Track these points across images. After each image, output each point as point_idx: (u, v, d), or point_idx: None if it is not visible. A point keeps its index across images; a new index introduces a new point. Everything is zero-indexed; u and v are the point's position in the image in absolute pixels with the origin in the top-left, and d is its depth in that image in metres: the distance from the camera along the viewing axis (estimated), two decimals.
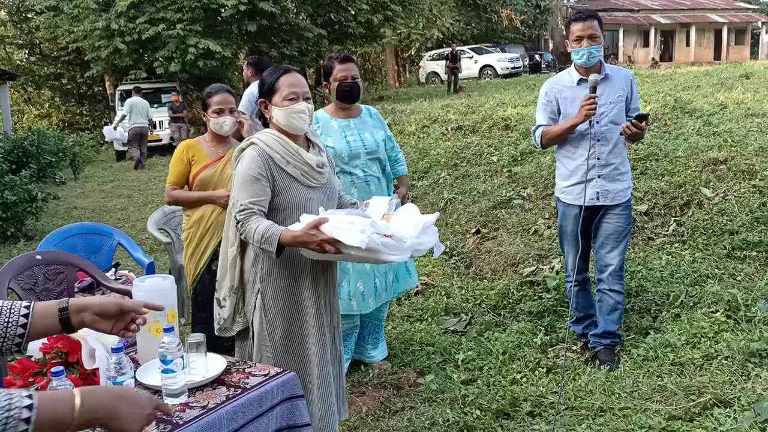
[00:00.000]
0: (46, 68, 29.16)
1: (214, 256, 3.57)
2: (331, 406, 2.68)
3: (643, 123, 3.60)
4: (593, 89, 3.64)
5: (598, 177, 3.80)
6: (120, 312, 1.65)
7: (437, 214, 2.69)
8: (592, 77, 3.66)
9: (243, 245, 2.64)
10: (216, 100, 3.73)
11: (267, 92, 2.65)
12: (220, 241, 3.41)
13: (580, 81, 3.80)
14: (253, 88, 6.26)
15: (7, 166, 9.99)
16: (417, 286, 4.95)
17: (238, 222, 2.50)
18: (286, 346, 2.60)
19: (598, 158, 3.78)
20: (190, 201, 3.79)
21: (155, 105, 17.56)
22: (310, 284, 2.63)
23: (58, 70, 28.87)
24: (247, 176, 2.51)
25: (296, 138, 2.66)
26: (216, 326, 2.71)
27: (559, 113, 3.87)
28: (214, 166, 3.76)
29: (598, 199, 3.82)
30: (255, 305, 2.62)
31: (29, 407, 0.99)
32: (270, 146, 2.57)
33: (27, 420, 0.97)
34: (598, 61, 3.76)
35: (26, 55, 30.52)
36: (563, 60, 34.19)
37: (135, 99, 15.00)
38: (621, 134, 3.70)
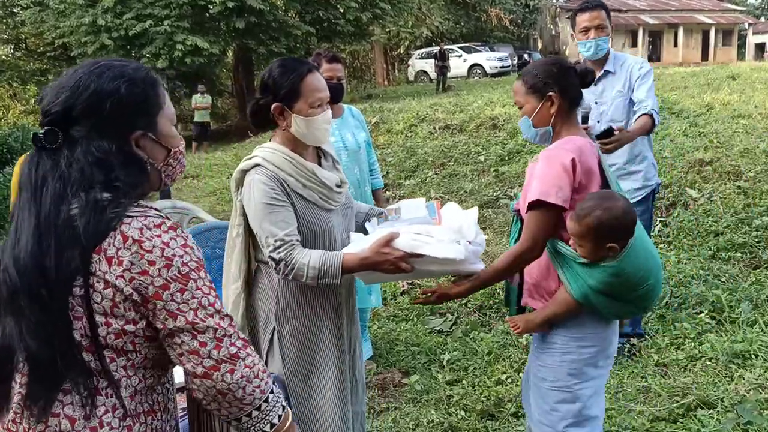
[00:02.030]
0: (31, 64, 28.82)
1: None
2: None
3: (616, 133, 3.36)
4: (584, 119, 3.56)
5: None
6: None
7: (476, 209, 2.39)
8: (583, 107, 3.56)
9: (248, 281, 2.29)
10: None
11: (287, 96, 2.17)
12: None
13: None
14: None
15: None
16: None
17: (278, 262, 2.10)
18: (306, 395, 2.27)
19: None
20: None
21: None
22: (333, 318, 2.29)
23: (44, 66, 28.50)
24: (268, 206, 2.12)
25: (306, 152, 2.27)
26: None
27: None
28: None
29: None
30: (268, 350, 2.28)
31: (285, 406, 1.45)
32: (280, 168, 2.17)
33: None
34: (606, 53, 3.64)
35: (12, 51, 30.20)
36: None
37: None
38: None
